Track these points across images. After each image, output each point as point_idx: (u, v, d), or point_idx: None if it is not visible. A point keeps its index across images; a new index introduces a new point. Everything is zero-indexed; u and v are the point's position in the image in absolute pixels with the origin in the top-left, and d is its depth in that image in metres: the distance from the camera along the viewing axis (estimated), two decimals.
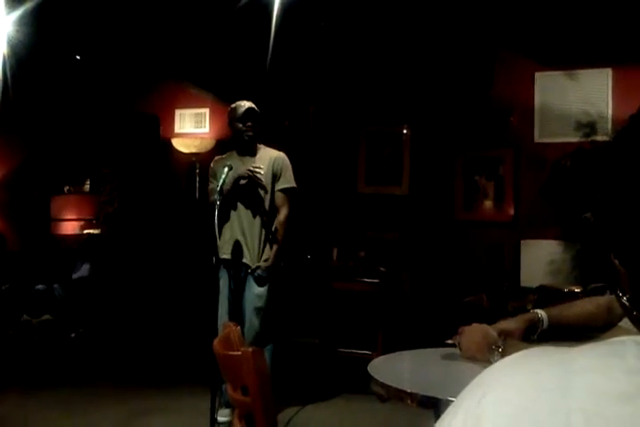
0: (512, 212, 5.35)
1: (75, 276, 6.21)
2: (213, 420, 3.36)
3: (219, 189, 3.44)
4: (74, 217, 7.28)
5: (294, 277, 4.47)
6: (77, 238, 6.79)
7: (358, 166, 5.88)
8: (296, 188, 3.80)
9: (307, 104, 5.87)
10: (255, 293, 3.65)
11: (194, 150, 6.21)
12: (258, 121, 3.69)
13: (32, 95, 6.75)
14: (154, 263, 6.16)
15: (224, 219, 3.71)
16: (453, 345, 1.77)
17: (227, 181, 3.52)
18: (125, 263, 6.24)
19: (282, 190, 3.74)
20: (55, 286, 5.92)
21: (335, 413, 4.14)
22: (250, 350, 1.57)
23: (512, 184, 5.37)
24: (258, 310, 3.66)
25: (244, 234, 3.67)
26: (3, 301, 5.88)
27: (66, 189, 7.06)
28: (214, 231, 3.37)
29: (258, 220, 3.68)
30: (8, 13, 5.08)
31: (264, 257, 3.68)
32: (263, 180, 3.63)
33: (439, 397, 1.48)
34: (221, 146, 5.73)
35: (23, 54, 5.87)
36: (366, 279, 4.65)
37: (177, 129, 6.47)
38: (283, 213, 3.73)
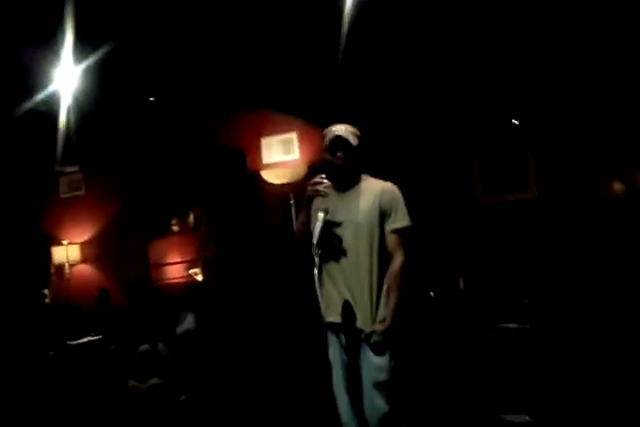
0: None
1: (179, 330, 5.74)
2: None
3: (315, 241, 2.80)
4: (174, 260, 6.92)
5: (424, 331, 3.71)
6: (181, 286, 6.38)
7: (473, 174, 5.08)
8: (411, 227, 3.04)
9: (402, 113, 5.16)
10: (374, 364, 2.92)
11: (285, 180, 5.62)
12: (350, 149, 2.99)
13: (113, 141, 6.48)
14: (259, 312, 5.60)
15: (326, 273, 3.05)
16: None
17: (323, 229, 2.85)
18: (231, 313, 5.72)
19: (395, 231, 2.99)
20: (160, 345, 5.46)
21: None
22: None
23: None
24: (380, 386, 2.92)
25: (350, 290, 2.96)
26: (110, 363, 5.50)
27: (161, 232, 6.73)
28: (315, 291, 2.75)
29: (366, 271, 2.96)
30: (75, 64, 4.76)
31: (379, 318, 2.94)
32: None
33: None
34: (315, 172, 5.09)
35: (98, 103, 5.57)
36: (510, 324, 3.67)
37: (265, 159, 5.91)
38: (398, 260, 2.95)
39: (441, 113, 5.15)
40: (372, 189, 3.02)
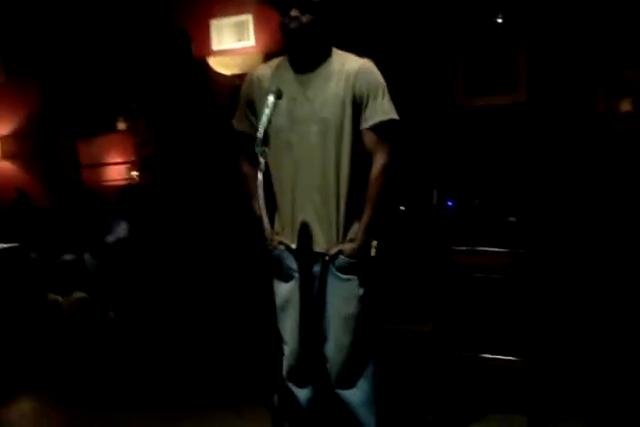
0: None
1: (110, 239, 5.06)
2: None
3: (261, 134, 2.01)
4: (111, 161, 6.12)
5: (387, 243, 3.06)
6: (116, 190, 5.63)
7: (454, 71, 4.37)
8: (397, 120, 2.29)
9: None
10: (340, 293, 2.29)
11: (237, 71, 4.81)
12: (311, 6, 2.16)
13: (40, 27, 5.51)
14: (203, 218, 4.94)
15: (276, 182, 2.36)
16: None
17: (273, 121, 2.09)
18: (169, 221, 5.04)
19: (374, 128, 2.26)
20: (86, 255, 4.79)
21: None
22: None
23: None
24: (347, 321, 2.30)
25: (310, 203, 2.27)
26: (30, 274, 4.82)
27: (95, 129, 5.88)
28: (258, 206, 2.03)
29: (332, 178, 2.25)
30: None
31: (348, 236, 2.29)
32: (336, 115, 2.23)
33: None
34: None
35: None
36: (489, 248, 2.96)
37: (214, 45, 5.05)
38: (379, 162, 2.25)
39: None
40: (344, 70, 2.25)
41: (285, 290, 2.34)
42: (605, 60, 3.99)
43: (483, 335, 3.11)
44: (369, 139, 2.26)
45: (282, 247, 2.32)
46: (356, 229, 2.28)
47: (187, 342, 4.28)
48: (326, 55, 2.28)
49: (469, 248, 2.94)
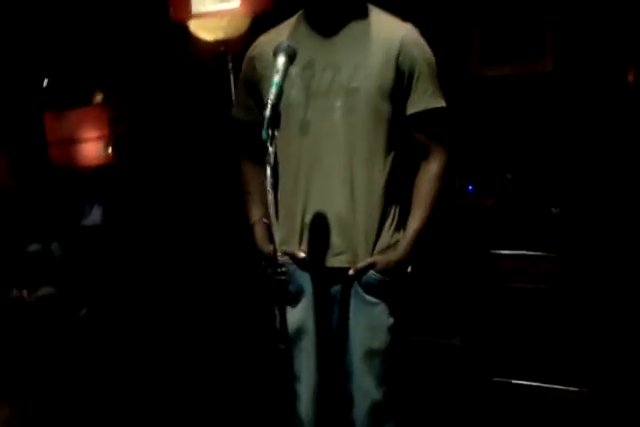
0: None
1: (84, 223, 4.56)
2: None
3: (268, 114, 1.46)
4: (85, 137, 5.57)
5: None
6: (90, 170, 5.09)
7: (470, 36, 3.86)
8: (444, 107, 1.77)
9: None
10: (365, 322, 1.76)
11: (221, 36, 4.23)
12: None
13: None
14: (183, 205, 4.43)
15: (285, 174, 1.82)
16: None
17: (285, 94, 1.56)
18: (149, 205, 4.53)
19: (426, 114, 1.73)
20: (54, 244, 4.28)
21: None
22: None
23: None
24: (372, 357, 1.77)
25: (332, 203, 1.72)
26: None
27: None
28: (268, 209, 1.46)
29: (363, 169, 1.71)
30: None
31: (378, 247, 1.76)
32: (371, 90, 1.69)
33: None
34: (262, 26, 3.68)
35: None
36: (531, 251, 2.33)
37: (195, 7, 4.45)
38: (437, 162, 1.75)
39: None
40: (382, 35, 1.70)
41: (295, 317, 1.81)
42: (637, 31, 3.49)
43: (524, 355, 2.64)
44: (419, 128, 1.74)
45: (289, 261, 1.79)
46: (388, 238, 1.76)
47: (168, 344, 3.81)
48: (359, 12, 1.73)
49: (507, 252, 2.45)
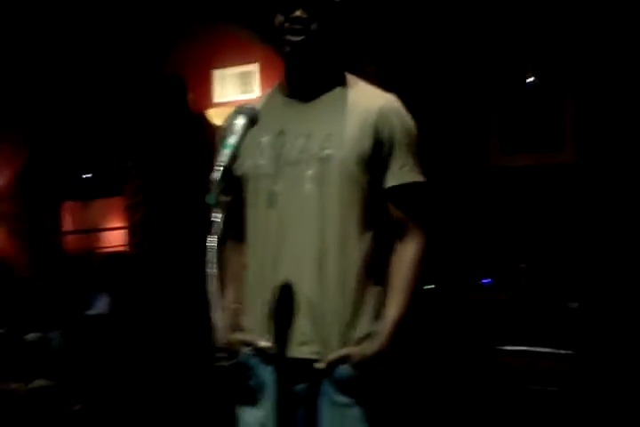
0: None
1: (90, 313, 4.40)
2: None
3: (218, 174, 1.29)
4: (102, 226, 5.55)
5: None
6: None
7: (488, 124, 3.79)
8: (425, 184, 1.58)
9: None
10: (337, 419, 1.47)
11: None
12: (323, 6, 1.48)
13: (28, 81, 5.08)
14: (192, 298, 4.25)
15: (250, 252, 1.62)
16: None
17: (252, 164, 1.46)
18: (157, 296, 4.37)
19: (404, 189, 1.54)
20: (53, 334, 4.10)
21: None
22: None
23: None
24: None
25: (303, 287, 1.49)
26: None
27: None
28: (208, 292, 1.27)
29: (336, 247, 1.50)
30: None
31: (356, 335, 1.50)
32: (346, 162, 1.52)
33: None
34: None
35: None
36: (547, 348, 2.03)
37: (216, 97, 4.53)
38: (414, 244, 1.54)
39: (452, 43, 3.83)
40: (361, 104, 1.54)
41: (255, 418, 1.55)
42: None
43: None
44: (396, 204, 1.57)
45: (248, 351, 1.55)
46: (366, 327, 1.52)
47: None
48: (336, 80, 1.62)
49: (521, 349, 2.19)
